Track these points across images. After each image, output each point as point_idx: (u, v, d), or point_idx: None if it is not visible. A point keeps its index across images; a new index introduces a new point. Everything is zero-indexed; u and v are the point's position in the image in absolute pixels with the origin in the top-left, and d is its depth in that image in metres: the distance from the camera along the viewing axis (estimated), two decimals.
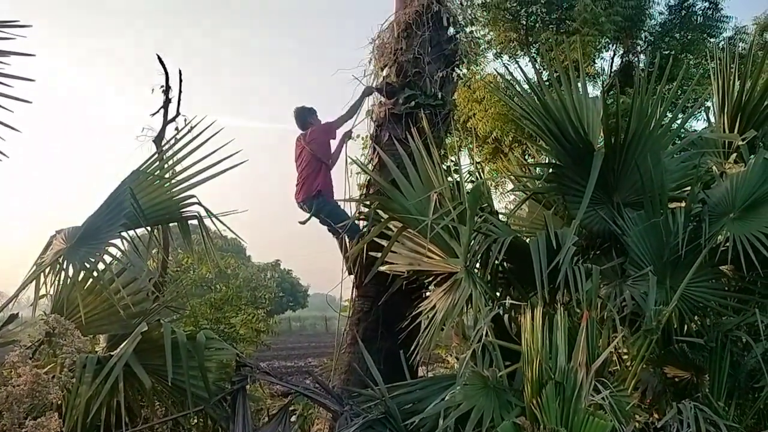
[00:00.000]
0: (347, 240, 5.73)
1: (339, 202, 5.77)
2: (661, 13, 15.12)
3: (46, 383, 3.01)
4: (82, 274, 3.78)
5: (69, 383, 3.20)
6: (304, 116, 6.07)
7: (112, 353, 3.57)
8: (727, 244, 3.78)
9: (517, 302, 4.06)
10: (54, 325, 3.19)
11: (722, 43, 14.36)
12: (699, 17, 14.86)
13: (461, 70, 6.45)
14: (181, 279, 6.80)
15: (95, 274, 3.80)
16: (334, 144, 6.00)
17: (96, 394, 3.31)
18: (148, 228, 4.21)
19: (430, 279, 4.64)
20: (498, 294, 4.51)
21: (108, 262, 3.82)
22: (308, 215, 5.73)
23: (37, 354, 3.36)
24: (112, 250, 3.75)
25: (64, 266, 3.62)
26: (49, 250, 3.85)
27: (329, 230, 5.80)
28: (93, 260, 3.66)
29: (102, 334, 4.17)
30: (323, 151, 5.84)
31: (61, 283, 3.67)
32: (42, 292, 3.73)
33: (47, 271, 3.63)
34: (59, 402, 3.17)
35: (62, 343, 3.21)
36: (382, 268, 4.81)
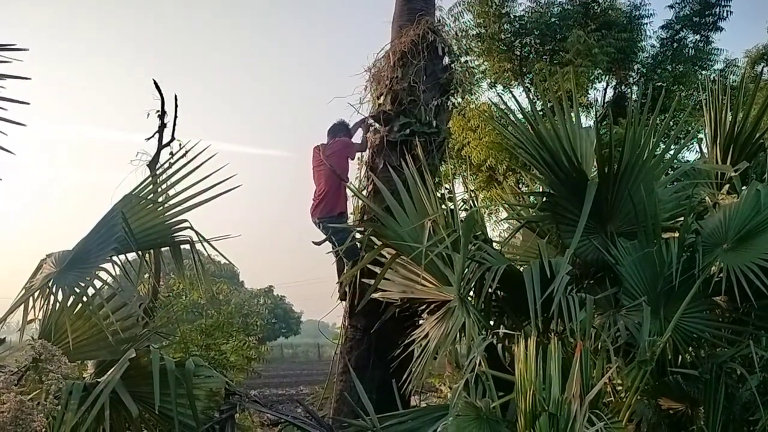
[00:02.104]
0: (345, 263, 5.68)
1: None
2: (653, 46, 15.34)
3: (31, 410, 2.95)
4: (71, 298, 3.73)
5: (54, 411, 3.13)
6: (338, 129, 6.00)
7: (99, 380, 3.51)
8: (721, 274, 3.77)
9: (510, 332, 4.04)
10: (41, 350, 3.14)
11: (714, 75, 14.57)
12: (690, 50, 15.07)
13: (456, 99, 6.51)
14: (171, 304, 6.73)
15: (85, 298, 3.75)
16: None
17: (81, 422, 3.24)
18: (140, 253, 4.18)
19: (423, 307, 4.61)
20: (491, 323, 4.48)
21: (98, 287, 3.78)
22: (324, 235, 5.63)
23: (23, 380, 3.30)
24: (103, 274, 3.71)
25: (54, 290, 3.57)
26: (38, 274, 3.81)
27: (334, 252, 5.67)
28: (83, 285, 3.62)
29: (90, 360, 4.11)
30: (342, 166, 5.75)
31: (50, 307, 3.62)
32: (30, 316, 3.68)
33: (36, 295, 3.59)
34: (43, 430, 3.10)
35: (49, 369, 3.15)
36: (374, 296, 4.78)
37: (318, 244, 5.67)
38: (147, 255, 4.35)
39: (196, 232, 4.14)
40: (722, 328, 4.12)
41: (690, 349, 4.04)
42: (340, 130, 6.01)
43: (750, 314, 4.05)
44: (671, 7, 15.15)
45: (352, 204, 5.93)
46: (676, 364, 3.98)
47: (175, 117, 5.77)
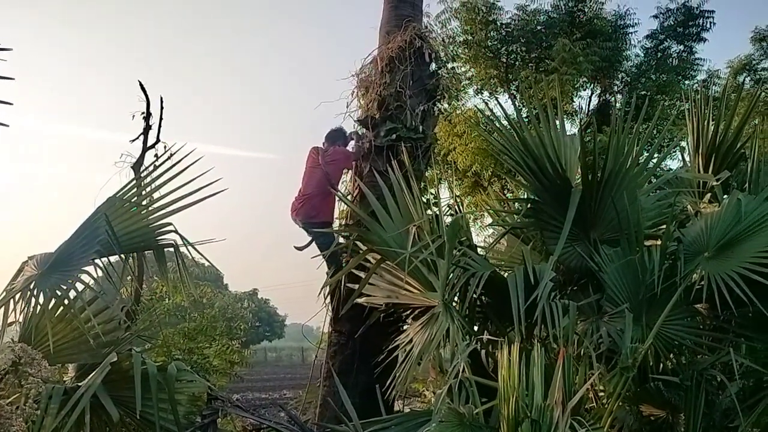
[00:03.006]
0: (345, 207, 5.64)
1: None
2: (637, 55, 15.53)
3: (10, 414, 2.91)
4: (52, 301, 3.69)
5: (33, 415, 3.10)
6: (337, 136, 5.92)
7: (80, 383, 3.47)
8: (702, 282, 3.82)
9: (494, 338, 4.05)
10: (20, 354, 3.10)
11: (696, 85, 14.76)
12: (674, 60, 15.27)
13: (442, 105, 6.53)
14: (154, 308, 6.68)
15: (66, 301, 3.71)
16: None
17: (61, 427, 3.20)
18: (123, 256, 4.14)
19: (408, 312, 4.62)
20: (476, 328, 4.49)
21: (80, 290, 3.74)
22: (306, 240, 5.57)
23: (2, 383, 3.25)
24: (85, 277, 3.66)
25: (35, 293, 3.53)
26: (20, 277, 3.76)
27: (321, 255, 5.61)
28: (64, 288, 3.58)
29: (71, 364, 4.06)
30: (337, 176, 5.69)
31: (30, 310, 3.58)
32: (11, 319, 3.64)
33: (17, 297, 3.55)
34: None
35: (28, 373, 3.11)
36: (359, 300, 4.77)
37: (300, 249, 5.61)
38: (130, 258, 4.31)
39: (181, 236, 4.11)
40: (703, 336, 4.17)
41: (671, 356, 4.08)
42: (338, 137, 5.94)
43: (730, 322, 4.10)
44: (656, 17, 15.37)
45: (338, 208, 5.92)
46: (658, 370, 4.02)
47: (161, 119, 5.74)
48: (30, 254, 3.90)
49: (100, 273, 3.84)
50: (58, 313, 3.88)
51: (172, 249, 4.18)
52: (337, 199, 5.73)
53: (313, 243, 5.59)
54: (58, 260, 3.69)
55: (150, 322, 5.56)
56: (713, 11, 14.93)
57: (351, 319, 5.20)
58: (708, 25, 14.96)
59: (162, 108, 5.70)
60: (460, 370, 3.32)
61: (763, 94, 16.17)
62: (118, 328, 4.22)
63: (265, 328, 48.88)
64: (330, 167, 5.63)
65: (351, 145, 6.02)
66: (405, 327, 4.73)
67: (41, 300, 3.57)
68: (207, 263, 4.47)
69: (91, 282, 3.78)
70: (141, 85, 5.57)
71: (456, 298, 4.28)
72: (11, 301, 3.57)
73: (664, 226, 4.33)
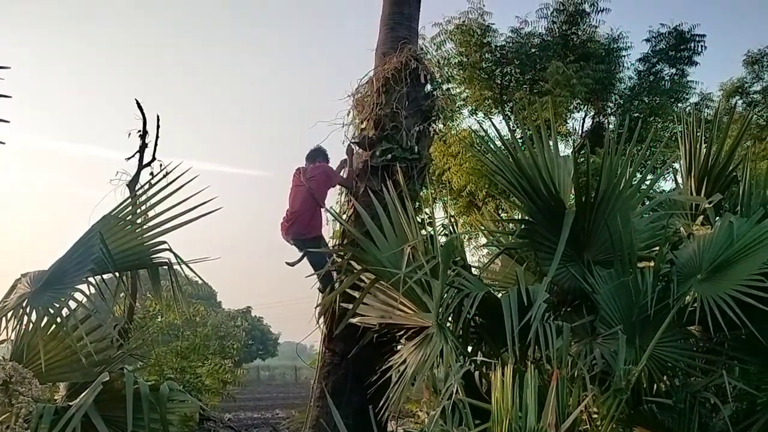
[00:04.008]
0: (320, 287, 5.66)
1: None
2: (630, 78, 15.70)
3: None
4: (45, 319, 3.67)
5: None
6: (316, 155, 6.03)
7: (71, 403, 3.44)
8: (695, 304, 3.83)
9: (487, 359, 4.04)
10: (11, 372, 3.08)
11: (689, 107, 14.91)
12: (667, 83, 15.44)
13: (437, 126, 6.59)
14: (147, 326, 6.65)
15: (59, 319, 3.69)
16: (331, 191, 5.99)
17: None
18: (116, 274, 4.13)
19: (402, 332, 4.61)
20: (469, 349, 4.49)
21: (73, 308, 3.72)
22: (298, 256, 5.62)
23: None
24: (78, 295, 3.66)
25: (27, 311, 3.51)
26: (13, 294, 3.74)
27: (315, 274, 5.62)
28: (57, 306, 3.57)
29: (62, 382, 4.03)
30: (321, 191, 5.77)
31: (23, 328, 3.56)
32: (3, 336, 3.62)
33: (9, 315, 3.53)
34: None
35: (19, 392, 3.09)
36: (353, 320, 4.76)
37: (292, 264, 5.65)
38: (124, 276, 4.30)
39: (175, 255, 4.11)
40: (696, 358, 4.17)
41: (665, 378, 4.07)
42: (317, 155, 6.05)
43: (723, 344, 4.11)
44: (648, 41, 15.56)
45: (331, 228, 5.94)
46: (652, 392, 4.01)
47: (157, 137, 5.77)
48: (23, 272, 3.90)
49: (93, 291, 3.83)
50: (50, 331, 3.86)
51: (165, 267, 4.18)
52: (325, 214, 5.79)
53: (305, 259, 5.61)
54: (51, 278, 3.68)
55: (143, 341, 5.52)
56: (704, 35, 15.17)
57: (344, 338, 5.19)
58: (699, 49, 15.17)
59: (158, 126, 5.74)
60: (454, 392, 3.30)
61: (755, 116, 16.35)
62: (110, 347, 4.20)
63: (258, 346, 48.56)
64: (312, 183, 5.73)
65: (339, 163, 6.08)
66: (399, 347, 4.72)
67: (33, 318, 3.55)
68: (200, 281, 4.46)
69: (84, 300, 3.77)
70: (138, 104, 5.61)
71: (450, 319, 4.27)
72: (3, 318, 3.56)
73: (657, 248, 4.35)
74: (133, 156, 5.75)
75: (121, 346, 4.36)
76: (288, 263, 5.67)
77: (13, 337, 3.67)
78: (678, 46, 15.17)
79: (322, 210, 5.74)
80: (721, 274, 3.99)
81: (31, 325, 3.56)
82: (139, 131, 5.78)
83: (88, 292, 3.74)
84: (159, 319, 7.25)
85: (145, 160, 5.84)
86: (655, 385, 4.06)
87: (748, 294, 3.62)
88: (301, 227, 5.63)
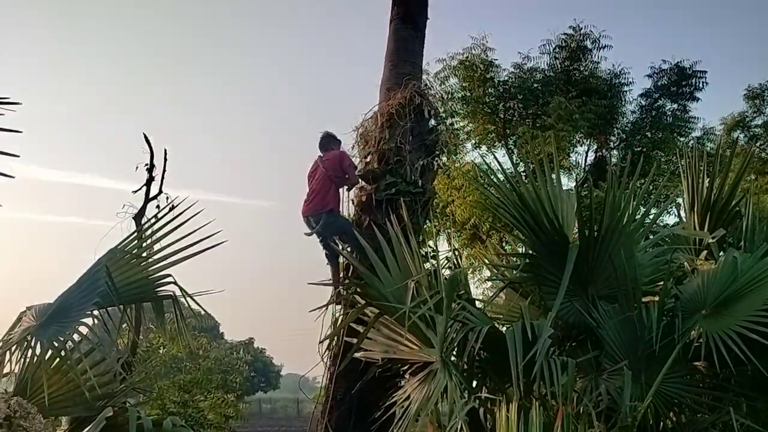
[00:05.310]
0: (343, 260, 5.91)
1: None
2: (632, 112, 15.80)
3: None
4: (49, 352, 3.67)
5: None
6: (327, 141, 6.31)
7: None
8: (700, 340, 3.81)
9: (492, 396, 4.01)
10: (15, 408, 3.07)
11: (691, 142, 14.98)
12: (669, 117, 15.54)
13: (441, 159, 6.65)
14: (150, 359, 6.62)
15: (63, 353, 3.69)
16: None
17: None
18: (121, 307, 4.14)
19: (406, 367, 4.59)
20: (474, 384, 4.45)
21: (77, 341, 3.73)
22: (314, 228, 5.88)
23: None
24: (83, 329, 3.66)
25: (32, 344, 3.52)
26: (17, 327, 3.75)
27: (326, 255, 5.99)
28: (62, 339, 3.57)
29: (65, 416, 4.01)
30: (335, 172, 6.01)
31: (27, 361, 3.56)
32: (6, 369, 3.61)
33: (14, 348, 3.53)
34: None
35: (23, 427, 3.08)
36: (357, 355, 4.75)
37: (308, 234, 5.95)
38: (128, 309, 4.31)
39: (180, 288, 4.12)
40: (702, 394, 4.13)
41: (671, 414, 4.03)
42: (330, 142, 6.30)
43: (730, 380, 4.07)
44: (649, 76, 15.70)
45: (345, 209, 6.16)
46: (658, 429, 3.97)
47: (164, 171, 5.84)
48: (29, 304, 3.91)
49: (97, 323, 3.84)
50: (54, 364, 3.86)
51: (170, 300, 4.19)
52: (340, 191, 6.08)
53: (320, 229, 5.84)
54: (56, 311, 3.69)
55: (146, 374, 5.50)
56: (705, 72, 15.29)
57: (348, 373, 5.16)
58: (701, 85, 15.29)
59: (165, 160, 5.81)
60: (458, 429, 3.28)
61: (757, 150, 16.42)
62: (113, 381, 4.18)
63: (261, 378, 48.00)
64: (327, 164, 6.03)
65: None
66: (403, 383, 4.69)
67: (38, 351, 3.56)
68: (204, 313, 4.46)
69: (88, 333, 3.77)
70: (146, 137, 5.69)
71: (454, 353, 4.26)
72: (8, 351, 3.56)
73: (662, 283, 4.34)
74: (139, 189, 5.81)
75: (124, 380, 4.35)
76: (306, 234, 5.97)
77: (17, 371, 3.67)
78: (679, 82, 15.31)
79: (338, 188, 6.05)
80: (725, 309, 3.98)
81: (35, 358, 3.55)
82: (147, 165, 5.85)
83: (92, 325, 3.74)
84: (162, 351, 7.23)
85: (152, 193, 5.90)
86: (662, 422, 4.02)
87: (753, 330, 3.61)
88: (319, 203, 5.92)
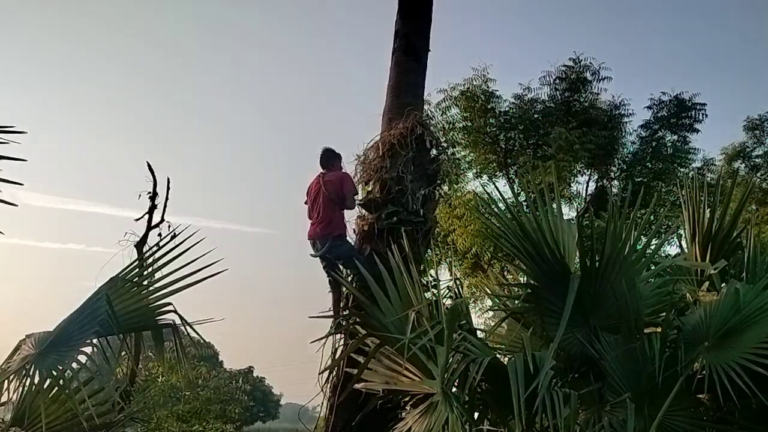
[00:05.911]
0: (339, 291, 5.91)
1: None
2: (633, 143, 15.91)
3: None
4: (47, 381, 3.64)
5: None
6: (328, 157, 6.32)
7: None
8: (704, 372, 3.78)
9: (493, 429, 3.97)
10: None
11: (692, 173, 15.03)
12: (669, 148, 15.63)
13: (442, 189, 6.68)
14: (149, 388, 6.56)
15: (61, 382, 3.67)
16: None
17: None
18: (121, 336, 4.12)
19: (407, 399, 4.54)
20: (476, 416, 4.40)
21: (76, 370, 3.70)
22: (320, 251, 5.92)
23: None
24: (82, 358, 3.64)
25: (31, 373, 3.50)
26: (16, 355, 3.73)
27: (329, 282, 6.00)
28: (61, 368, 3.55)
29: None
30: (338, 194, 6.02)
31: (25, 390, 3.53)
32: (4, 398, 3.58)
33: (12, 377, 3.51)
34: None
35: None
36: (357, 386, 4.70)
37: (314, 256, 6.00)
38: (128, 338, 4.29)
39: (180, 317, 4.11)
40: (706, 427, 4.08)
41: None
42: (330, 158, 6.31)
43: (734, 413, 4.03)
44: (649, 108, 15.84)
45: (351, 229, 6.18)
46: None
47: (166, 198, 5.87)
48: (28, 332, 3.89)
49: (96, 352, 3.81)
50: (52, 393, 3.83)
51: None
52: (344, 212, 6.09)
53: (325, 252, 5.88)
54: (56, 340, 3.68)
55: (144, 404, 5.45)
56: (705, 104, 15.44)
57: (348, 404, 5.10)
58: (701, 117, 15.41)
59: (168, 188, 5.84)
60: None
61: (758, 180, 16.46)
62: (111, 411, 4.15)
63: (260, 408, 47.44)
64: (329, 186, 6.03)
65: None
66: (403, 414, 4.64)
67: (36, 380, 3.53)
68: (204, 342, 4.44)
69: (87, 362, 3.75)
70: (149, 165, 5.72)
71: (456, 383, 4.22)
72: (6, 380, 3.53)
73: (664, 314, 4.32)
74: (142, 217, 5.83)
75: (122, 410, 4.31)
76: (311, 255, 6.02)
77: (14, 399, 3.64)
78: (679, 114, 15.43)
79: (342, 210, 6.07)
80: (728, 341, 3.95)
81: (33, 387, 3.53)
82: (149, 193, 5.88)
83: (91, 353, 3.72)
84: (161, 380, 7.16)
85: (154, 220, 5.92)
86: None
87: (756, 362, 3.58)
88: (326, 227, 5.95)
